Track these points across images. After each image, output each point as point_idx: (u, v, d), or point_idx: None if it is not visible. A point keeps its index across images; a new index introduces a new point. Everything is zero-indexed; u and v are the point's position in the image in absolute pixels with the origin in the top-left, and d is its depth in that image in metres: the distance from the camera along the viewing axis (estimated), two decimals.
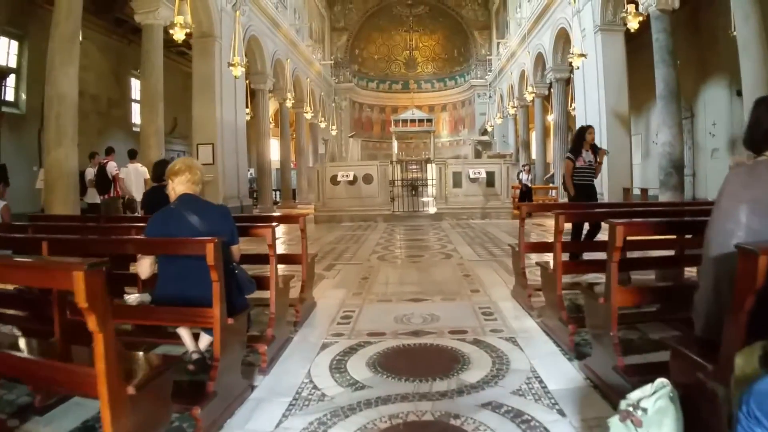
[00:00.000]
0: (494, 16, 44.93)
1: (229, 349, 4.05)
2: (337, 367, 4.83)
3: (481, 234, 15.55)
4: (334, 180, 20.27)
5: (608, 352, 4.09)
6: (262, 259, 5.75)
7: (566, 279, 6.07)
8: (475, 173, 20.19)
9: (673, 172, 16.61)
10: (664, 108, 16.87)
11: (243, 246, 4.88)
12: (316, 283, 8.24)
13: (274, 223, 5.62)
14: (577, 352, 5.02)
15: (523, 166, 23.54)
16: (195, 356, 4.41)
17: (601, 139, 20.52)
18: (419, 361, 4.98)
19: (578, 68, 20.23)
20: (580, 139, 9.69)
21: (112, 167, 15.17)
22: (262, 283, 5.32)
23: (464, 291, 7.71)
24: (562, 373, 4.60)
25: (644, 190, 20.16)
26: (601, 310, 4.18)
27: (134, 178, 15.79)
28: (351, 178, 20.13)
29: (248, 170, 33.04)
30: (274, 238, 5.47)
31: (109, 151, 15.96)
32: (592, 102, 21.77)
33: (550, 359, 4.94)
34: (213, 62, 21.03)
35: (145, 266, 4.43)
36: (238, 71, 19.40)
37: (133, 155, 16.23)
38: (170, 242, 4.17)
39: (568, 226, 6.39)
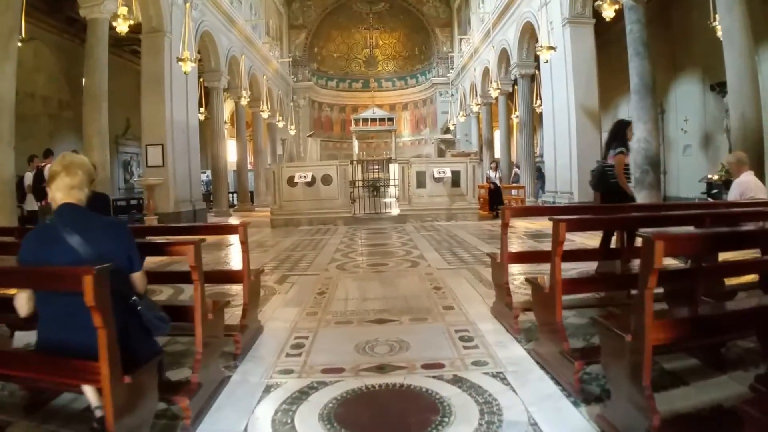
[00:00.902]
0: (456, 13, 44.09)
1: (130, 414, 2.96)
2: (283, 421, 3.75)
3: (448, 237, 14.57)
4: (291, 181, 19.10)
5: (636, 406, 3.08)
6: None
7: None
8: (440, 173, 19.17)
9: (649, 170, 15.99)
10: (639, 102, 16.21)
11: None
12: (265, 300, 7.23)
13: (199, 238, 4.18)
14: (583, 394, 4.02)
15: (491, 163, 22.32)
16: (99, 413, 3.27)
17: (570, 137, 19.87)
18: (387, 412, 3.92)
19: (547, 62, 19.36)
20: (624, 133, 8.66)
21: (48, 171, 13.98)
22: (186, 314, 4.17)
23: (436, 308, 6.67)
24: (570, 427, 3.60)
25: None
26: (627, 351, 3.16)
27: None
28: (309, 179, 18.96)
29: (204, 173, 31.98)
30: (198, 259, 4.08)
31: (47, 154, 14.79)
32: (561, 97, 20.98)
33: (551, 405, 3.92)
34: (162, 59, 19.84)
35: (21, 302, 3.27)
36: (188, 67, 18.23)
37: None
38: (33, 274, 3.02)
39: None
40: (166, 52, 19.77)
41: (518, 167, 29.44)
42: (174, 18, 20.07)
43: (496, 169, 21.34)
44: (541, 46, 18.79)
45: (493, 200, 20.48)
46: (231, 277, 5.83)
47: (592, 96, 20.22)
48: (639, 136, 15.99)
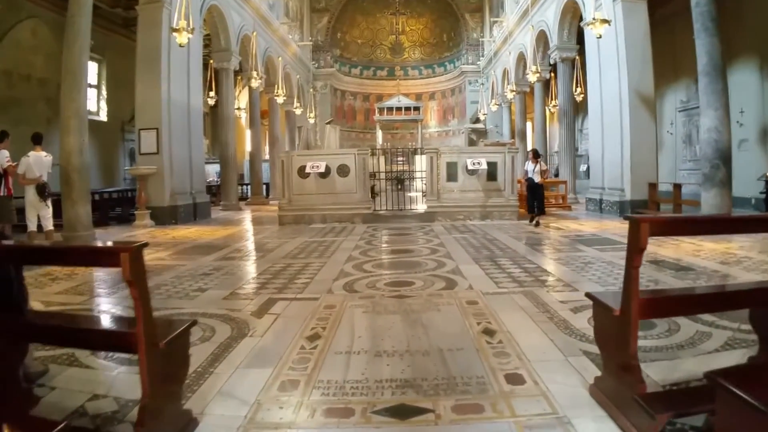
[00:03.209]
0: None
1: None
2: None
3: (486, 242, 12.00)
4: (302, 172, 16.58)
5: None
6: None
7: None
8: (474, 164, 16.48)
9: (720, 164, 13.82)
10: (709, 86, 14.05)
11: None
12: (228, 347, 4.86)
13: None
14: None
15: (528, 153, 17.61)
16: None
17: (621, 127, 17.45)
18: None
19: (600, 37, 16.53)
20: None
21: (1, 157, 11.47)
22: None
23: (495, 380, 4.04)
24: None
25: (677, 186, 16.53)
26: None
27: (36, 170, 12.11)
28: (322, 169, 16.37)
29: (215, 162, 29.76)
30: None
31: (2, 137, 12.28)
32: (610, 82, 18.26)
33: None
34: (160, 32, 17.68)
35: None
36: (184, 38, 15.73)
37: (37, 140, 12.47)
38: None
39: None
40: (164, 24, 17.54)
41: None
42: None
43: (535, 160, 16.53)
44: (594, 19, 16.11)
45: (532, 201, 16.29)
46: (116, 341, 3.16)
47: (647, 80, 17.66)
48: (709, 125, 13.94)
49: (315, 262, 9.62)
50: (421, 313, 6.01)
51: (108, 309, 6.73)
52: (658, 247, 10.56)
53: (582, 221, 16.20)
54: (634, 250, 3.23)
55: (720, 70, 13.86)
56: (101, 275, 8.70)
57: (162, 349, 3.03)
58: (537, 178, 15.89)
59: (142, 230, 15.96)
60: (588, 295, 3.89)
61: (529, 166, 16.08)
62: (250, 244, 12.90)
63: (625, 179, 17.51)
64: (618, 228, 14.10)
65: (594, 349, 4.32)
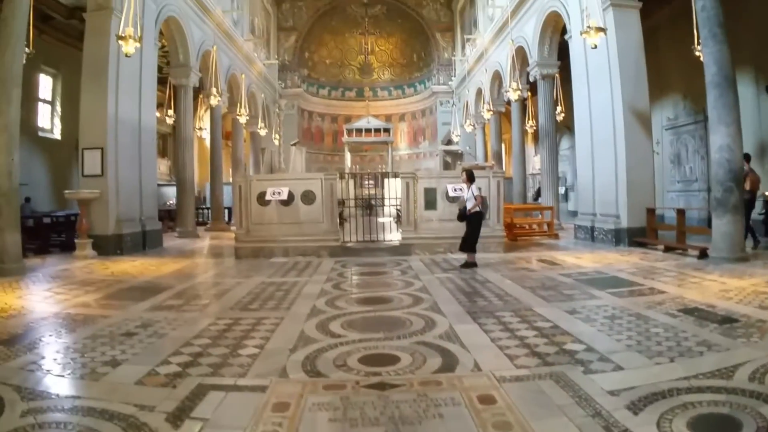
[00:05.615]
0: (458, 16, 40.64)
1: None
2: None
3: (477, 284, 10.20)
4: (261, 199, 14.76)
5: None
6: None
7: None
8: (456, 190, 14.66)
9: (733, 187, 12.42)
10: (719, 99, 12.51)
11: None
12: None
13: None
14: None
15: (467, 176, 13.29)
16: None
17: (615, 146, 16.11)
18: None
19: (595, 47, 14.86)
20: None
21: None
22: None
23: None
24: None
25: (681, 212, 14.79)
26: None
27: None
28: (285, 196, 14.53)
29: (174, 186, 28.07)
30: None
31: None
32: (601, 98, 16.84)
33: None
34: (108, 41, 15.90)
35: None
36: (131, 47, 13.77)
37: None
38: None
39: None
40: (113, 33, 15.57)
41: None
42: None
43: (468, 182, 13.13)
44: (588, 28, 14.46)
45: (467, 235, 13.02)
46: None
47: (642, 95, 16.43)
48: (721, 143, 12.47)
49: (269, 318, 7.62)
50: (416, 426, 4.00)
51: None
52: (680, 288, 8.95)
53: (577, 253, 14.50)
54: None
55: (731, 81, 12.50)
56: None
57: None
58: (470, 205, 12.80)
59: (81, 262, 14.00)
60: None
61: (458, 188, 13.79)
62: (197, 286, 10.88)
63: (620, 204, 16.11)
64: (620, 261, 12.59)
65: None
